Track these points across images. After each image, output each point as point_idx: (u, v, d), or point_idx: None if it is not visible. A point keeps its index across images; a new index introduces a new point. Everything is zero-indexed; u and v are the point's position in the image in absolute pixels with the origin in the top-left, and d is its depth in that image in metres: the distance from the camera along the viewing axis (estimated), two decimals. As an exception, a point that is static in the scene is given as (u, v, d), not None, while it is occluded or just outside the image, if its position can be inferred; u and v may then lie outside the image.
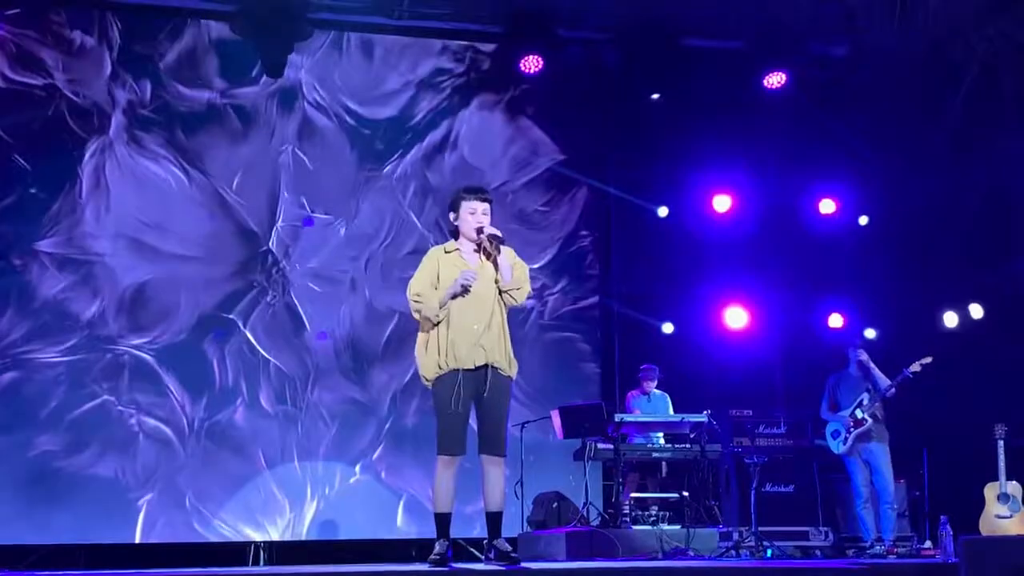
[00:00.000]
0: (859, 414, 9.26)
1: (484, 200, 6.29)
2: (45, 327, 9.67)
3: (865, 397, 9.28)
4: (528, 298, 6.51)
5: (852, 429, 9.24)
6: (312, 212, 10.32)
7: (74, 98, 9.91)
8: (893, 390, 9.18)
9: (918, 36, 10.03)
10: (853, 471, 9.28)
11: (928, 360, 9.09)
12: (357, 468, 10.18)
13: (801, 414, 9.65)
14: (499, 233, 6.17)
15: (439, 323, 6.15)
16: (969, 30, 9.96)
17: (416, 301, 6.18)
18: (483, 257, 6.20)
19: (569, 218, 11.01)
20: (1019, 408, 10.18)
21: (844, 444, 9.27)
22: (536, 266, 10.66)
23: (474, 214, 6.24)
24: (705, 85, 10.70)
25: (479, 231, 6.18)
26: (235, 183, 10.22)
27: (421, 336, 6.27)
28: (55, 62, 9.89)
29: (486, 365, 6.10)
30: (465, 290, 6.07)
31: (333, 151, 10.48)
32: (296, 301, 10.25)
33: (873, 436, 9.22)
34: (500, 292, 6.16)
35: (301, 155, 10.39)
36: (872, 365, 9.29)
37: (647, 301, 10.97)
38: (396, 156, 10.62)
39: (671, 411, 9.85)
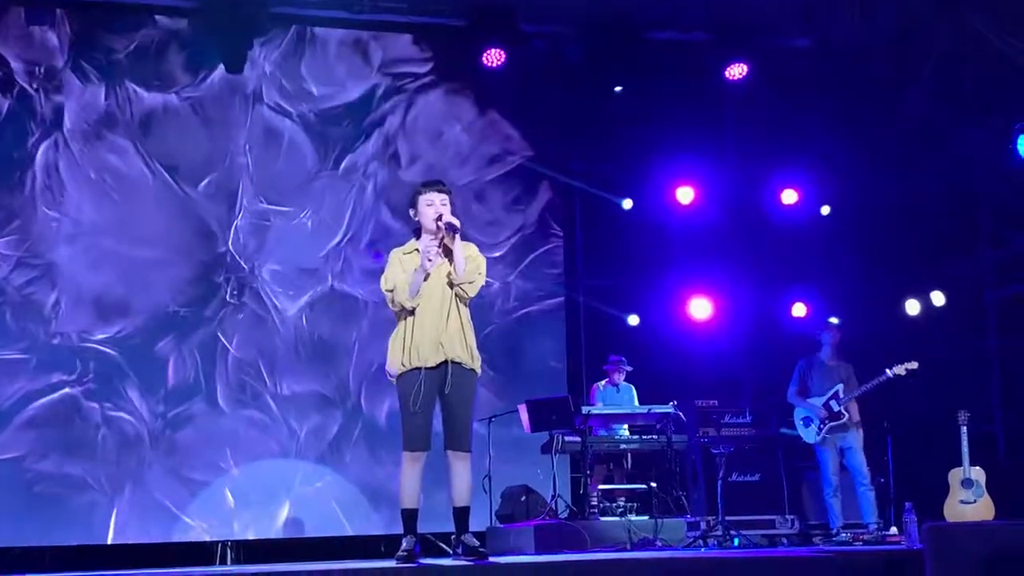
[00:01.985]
0: (834, 406, 9.27)
1: (442, 191, 6.29)
2: (4, 328, 9.56)
3: (840, 388, 9.30)
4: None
5: (827, 421, 9.26)
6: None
7: (30, 94, 9.79)
8: (858, 393, 9.22)
9: (879, 28, 10.09)
10: (824, 460, 9.30)
11: (914, 366, 9.07)
12: (324, 465, 10.14)
13: (766, 403, 9.70)
14: (456, 222, 6.16)
15: (409, 317, 6.15)
16: (930, 21, 10.03)
17: (389, 291, 6.20)
18: (440, 251, 6.17)
19: (533, 211, 11.00)
20: (981, 394, 10.30)
21: (818, 434, 9.29)
22: (500, 259, 10.66)
23: (432, 205, 6.24)
24: (667, 77, 10.71)
25: (438, 219, 6.17)
26: (194, 179, 10.13)
27: (394, 332, 6.27)
28: (11, 58, 9.77)
29: (446, 361, 6.10)
30: (431, 262, 6.07)
31: (293, 146, 10.42)
32: (260, 297, 10.19)
33: (849, 426, 9.27)
34: (451, 285, 6.15)
35: (261, 150, 10.32)
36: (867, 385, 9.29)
37: (612, 293, 10.99)
38: (357, 150, 10.56)
39: (636, 403, 9.87)
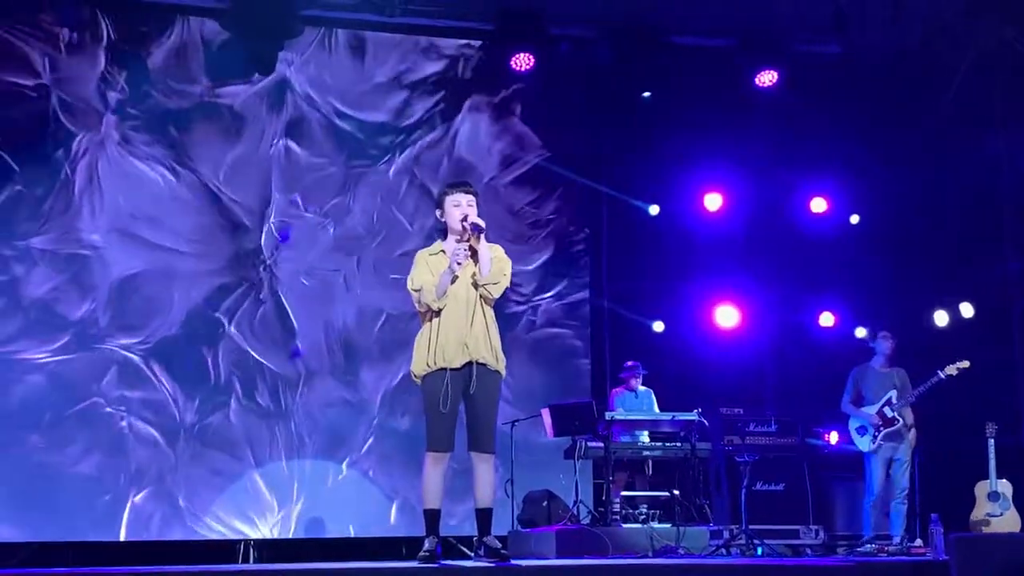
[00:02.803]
0: (888, 412, 9.19)
1: (468, 192, 6.29)
2: (34, 325, 9.62)
3: (893, 394, 9.23)
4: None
5: (881, 428, 9.18)
6: (301, 209, 10.30)
7: (64, 96, 9.86)
8: (913, 398, 9.14)
9: (908, 34, 10.05)
10: (873, 468, 9.18)
11: (965, 365, 8.97)
12: (346, 466, 10.15)
13: (792, 412, 9.62)
14: (482, 223, 6.16)
15: (434, 318, 6.15)
16: (959, 27, 9.98)
17: (416, 291, 6.20)
18: (468, 252, 6.17)
19: (560, 216, 10.99)
20: (1009, 406, 10.20)
21: (873, 442, 9.20)
22: (527, 264, 10.66)
23: (459, 206, 6.24)
24: (696, 83, 10.69)
25: (463, 220, 6.18)
26: (226, 181, 10.18)
27: (419, 333, 6.27)
28: (44, 59, 9.84)
29: (471, 363, 6.10)
30: (459, 265, 6.07)
31: (323, 149, 10.46)
32: (286, 300, 10.22)
33: (904, 434, 9.19)
34: (475, 286, 6.15)
35: (291, 153, 10.36)
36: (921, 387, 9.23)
37: (638, 299, 10.96)
38: (386, 154, 10.59)
39: (656, 408, 9.84)
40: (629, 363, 10.01)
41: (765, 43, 10.58)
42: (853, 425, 9.36)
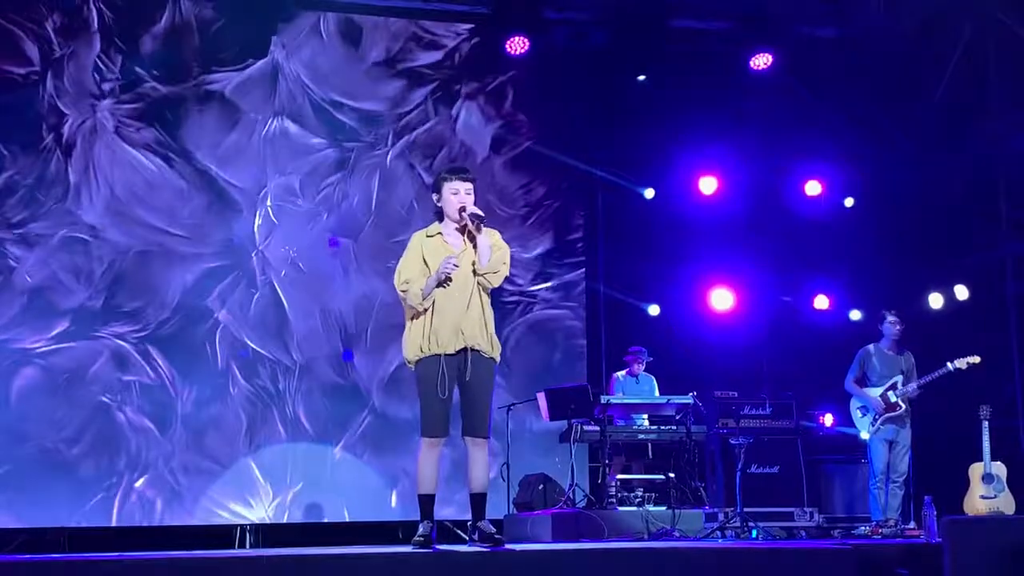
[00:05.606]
0: (892, 397, 9.19)
1: (466, 180, 6.26)
2: (30, 312, 9.61)
3: (899, 379, 9.22)
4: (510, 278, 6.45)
5: (884, 412, 9.19)
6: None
7: (57, 82, 9.84)
8: (917, 390, 9.15)
9: (904, 18, 10.03)
10: (875, 451, 9.19)
11: (976, 360, 8.95)
12: (342, 451, 10.18)
13: (786, 395, 9.64)
14: (481, 213, 6.14)
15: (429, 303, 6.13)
16: (955, 11, 9.97)
17: (403, 289, 6.17)
18: (466, 238, 6.17)
19: (555, 200, 10.99)
20: (1004, 389, 10.23)
21: (872, 425, 9.21)
22: (522, 249, 10.66)
23: (456, 194, 6.21)
24: (691, 66, 10.70)
25: (462, 210, 6.16)
26: (220, 167, 10.17)
27: (408, 319, 6.25)
28: (37, 45, 9.81)
29: (465, 348, 6.09)
30: (448, 279, 6.05)
31: (317, 134, 10.44)
32: (280, 285, 10.22)
33: (905, 419, 9.21)
34: (475, 275, 6.13)
35: (285, 138, 10.35)
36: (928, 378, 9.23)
37: (633, 283, 10.97)
38: (381, 140, 10.58)
39: (657, 393, 9.85)
40: (633, 348, 10.03)
41: (761, 26, 10.57)
42: (855, 405, 9.35)
